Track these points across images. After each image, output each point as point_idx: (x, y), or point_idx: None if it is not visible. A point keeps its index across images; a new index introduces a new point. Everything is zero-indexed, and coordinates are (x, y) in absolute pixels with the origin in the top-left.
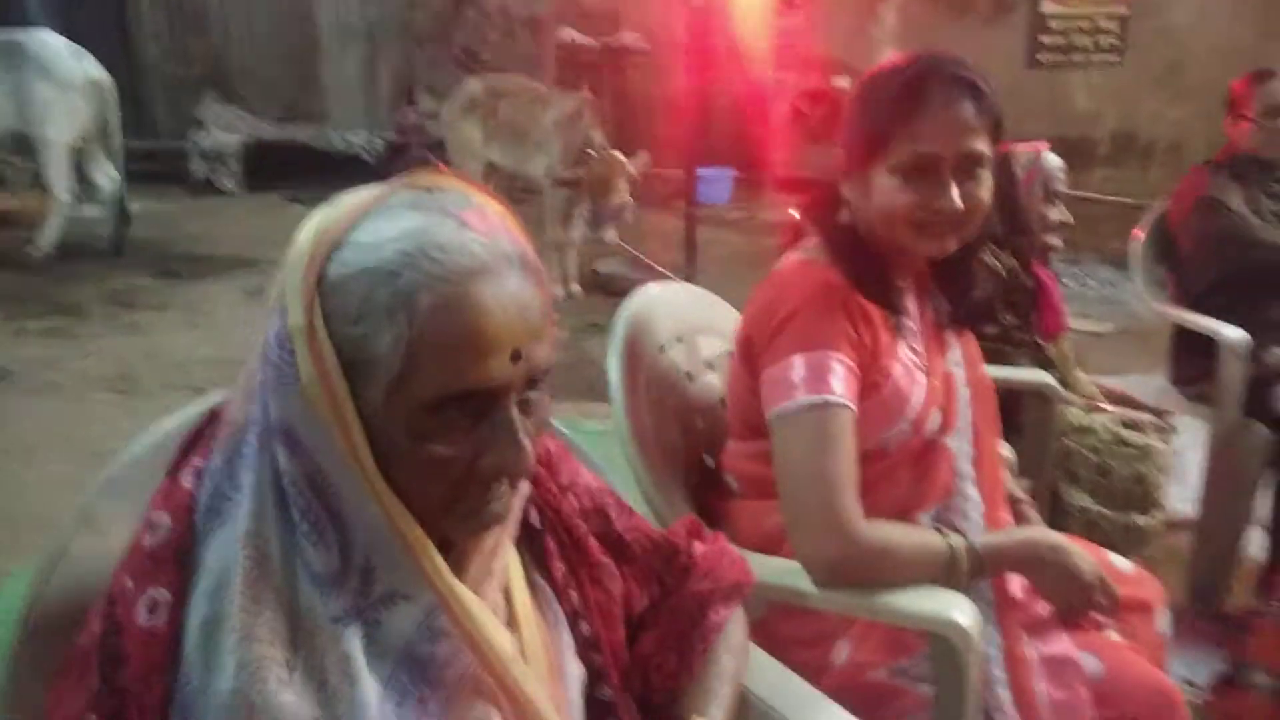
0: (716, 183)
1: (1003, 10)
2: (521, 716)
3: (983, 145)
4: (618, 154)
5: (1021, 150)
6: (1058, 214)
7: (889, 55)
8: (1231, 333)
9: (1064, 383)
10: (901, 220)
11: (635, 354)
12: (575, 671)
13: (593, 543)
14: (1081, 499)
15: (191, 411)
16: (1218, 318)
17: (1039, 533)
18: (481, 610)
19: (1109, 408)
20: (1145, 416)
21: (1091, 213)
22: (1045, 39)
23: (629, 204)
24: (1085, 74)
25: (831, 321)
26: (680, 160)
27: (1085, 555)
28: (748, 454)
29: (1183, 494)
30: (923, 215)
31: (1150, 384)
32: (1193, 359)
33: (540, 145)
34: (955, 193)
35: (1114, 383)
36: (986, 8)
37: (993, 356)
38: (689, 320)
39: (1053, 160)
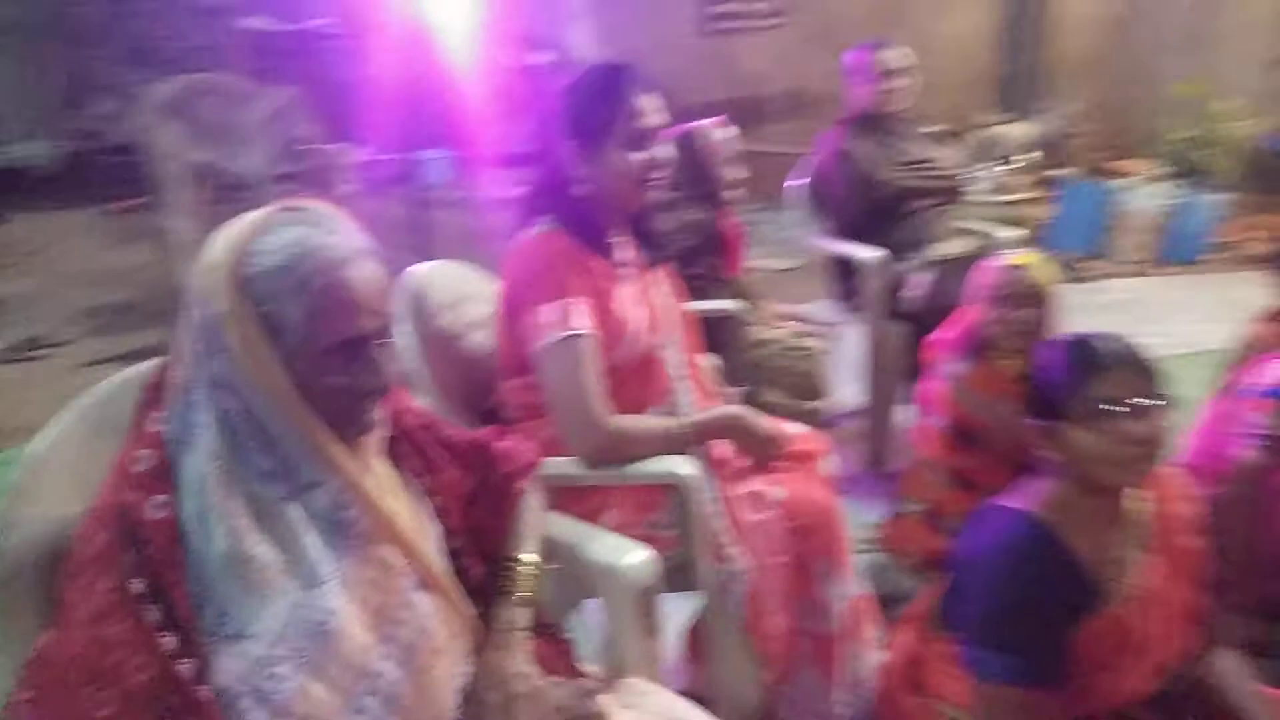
0: (435, 165)
1: None
2: (409, 551)
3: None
4: (333, 146)
5: (703, 125)
6: (735, 173)
7: (580, 31)
8: (869, 254)
9: (751, 309)
10: (635, 180)
11: (418, 321)
12: (434, 530)
13: (430, 444)
14: (772, 395)
15: (98, 392)
16: (861, 241)
17: (732, 408)
18: (374, 485)
19: (785, 323)
20: (814, 327)
21: (771, 164)
22: (716, 8)
23: (352, 194)
24: (753, 38)
25: (570, 275)
26: (397, 145)
27: (764, 419)
28: (519, 387)
29: (854, 387)
30: (647, 172)
31: (826, 304)
32: (845, 278)
33: (249, 143)
34: (662, 150)
35: (801, 308)
36: None
37: (698, 292)
38: (455, 290)
39: (728, 130)
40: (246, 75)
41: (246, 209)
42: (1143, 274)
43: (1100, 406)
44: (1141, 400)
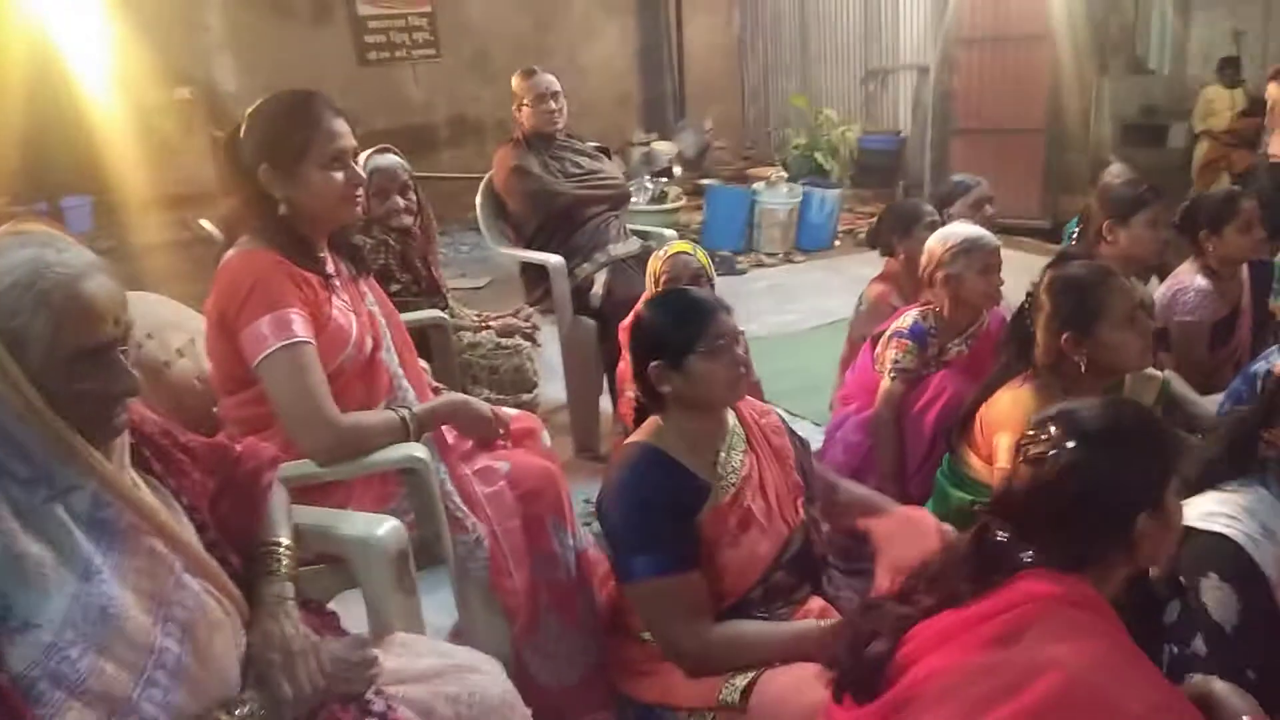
0: (76, 211)
1: (324, 13)
2: (171, 541)
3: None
4: None
5: (371, 152)
6: (404, 201)
7: (223, 61)
8: (554, 259)
9: (454, 316)
10: (338, 197)
11: None
12: (188, 526)
13: (171, 449)
14: (483, 392)
15: None
16: (544, 250)
17: (453, 396)
18: (130, 483)
19: (491, 325)
20: (517, 325)
21: (446, 189)
22: (369, 38)
23: None
24: (412, 67)
25: (282, 287)
26: (29, 193)
27: (483, 403)
28: (238, 403)
29: (558, 384)
30: (349, 190)
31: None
32: (536, 283)
33: None
34: (358, 169)
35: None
36: (307, 11)
37: (402, 306)
38: (152, 319)
39: (392, 158)
40: None
41: None
42: (786, 262)
43: (718, 342)
44: (736, 334)
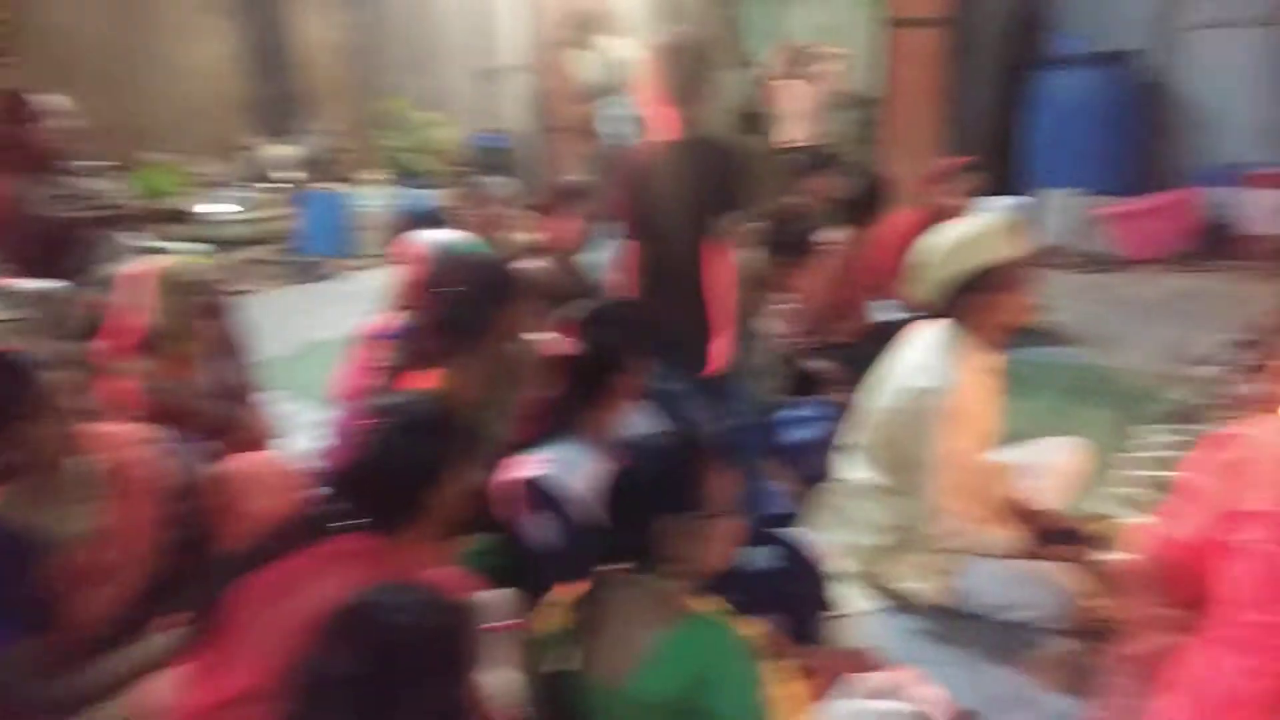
0: None
1: None
2: None
3: None
4: None
5: None
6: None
7: None
8: (47, 285)
9: None
10: None
11: None
12: None
13: None
14: None
15: None
16: (37, 276)
17: None
18: None
19: None
20: None
21: None
22: None
23: None
24: None
25: None
26: None
27: None
28: None
29: None
30: None
31: None
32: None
33: None
34: None
35: None
36: None
37: None
38: None
39: None
40: None
41: None
42: (383, 265)
43: (37, 408)
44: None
